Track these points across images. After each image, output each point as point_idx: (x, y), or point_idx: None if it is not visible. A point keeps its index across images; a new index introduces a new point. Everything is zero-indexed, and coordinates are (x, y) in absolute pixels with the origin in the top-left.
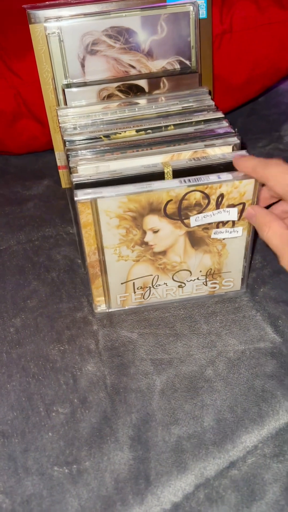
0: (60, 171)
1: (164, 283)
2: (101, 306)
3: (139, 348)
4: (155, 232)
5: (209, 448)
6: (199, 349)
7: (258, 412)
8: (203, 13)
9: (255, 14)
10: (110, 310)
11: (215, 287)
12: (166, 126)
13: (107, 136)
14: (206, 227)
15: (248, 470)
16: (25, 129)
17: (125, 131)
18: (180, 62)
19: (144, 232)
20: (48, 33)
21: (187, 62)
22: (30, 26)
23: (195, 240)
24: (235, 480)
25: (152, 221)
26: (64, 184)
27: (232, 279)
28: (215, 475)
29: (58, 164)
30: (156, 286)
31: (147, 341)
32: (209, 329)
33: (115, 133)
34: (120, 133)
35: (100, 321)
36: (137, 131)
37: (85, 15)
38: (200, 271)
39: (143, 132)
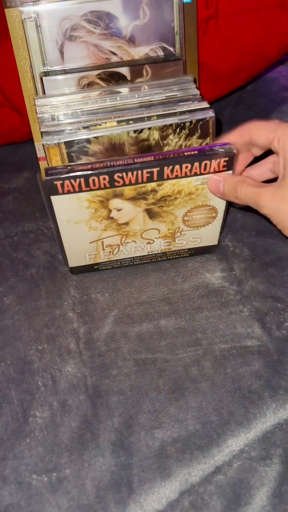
0: (40, 162)
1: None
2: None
3: (122, 347)
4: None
5: (194, 452)
6: (184, 348)
7: (244, 414)
8: None
9: None
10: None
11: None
12: (149, 117)
13: (86, 128)
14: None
15: (234, 475)
16: (3, 119)
17: (105, 122)
18: (164, 49)
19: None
20: (24, 18)
21: (171, 49)
22: (6, 10)
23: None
24: (220, 486)
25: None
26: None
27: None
28: (200, 481)
29: (38, 155)
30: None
31: (130, 340)
32: (194, 326)
33: (95, 125)
34: (101, 124)
35: (81, 318)
36: (118, 122)
37: None
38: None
39: (124, 123)
